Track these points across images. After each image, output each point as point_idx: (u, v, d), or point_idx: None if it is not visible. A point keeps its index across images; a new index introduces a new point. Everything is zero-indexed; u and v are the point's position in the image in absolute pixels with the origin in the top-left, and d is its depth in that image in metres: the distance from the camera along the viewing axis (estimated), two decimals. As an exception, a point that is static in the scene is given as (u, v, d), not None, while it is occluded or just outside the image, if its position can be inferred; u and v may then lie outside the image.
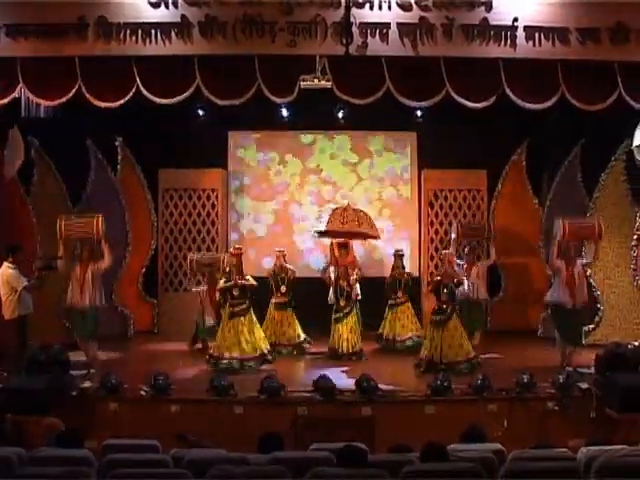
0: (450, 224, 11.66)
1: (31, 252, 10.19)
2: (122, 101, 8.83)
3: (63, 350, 8.46)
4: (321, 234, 11.09)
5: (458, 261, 10.61)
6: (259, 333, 9.50)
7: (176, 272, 12.09)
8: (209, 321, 10.31)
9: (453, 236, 11.22)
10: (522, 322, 11.67)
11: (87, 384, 8.29)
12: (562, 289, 9.16)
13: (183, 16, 8.53)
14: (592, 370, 8.44)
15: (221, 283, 9.64)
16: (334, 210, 10.92)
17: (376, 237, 11.06)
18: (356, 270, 10.39)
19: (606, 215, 10.46)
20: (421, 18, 8.53)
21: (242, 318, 9.34)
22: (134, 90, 8.76)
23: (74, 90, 8.76)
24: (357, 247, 11.12)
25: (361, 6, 8.47)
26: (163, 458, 5.07)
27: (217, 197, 12.07)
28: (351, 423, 7.69)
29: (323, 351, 10.20)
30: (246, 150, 12.37)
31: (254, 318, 9.50)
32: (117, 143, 11.84)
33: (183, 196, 12.08)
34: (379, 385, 7.98)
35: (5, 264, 9.11)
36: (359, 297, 10.47)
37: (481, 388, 7.98)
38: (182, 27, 8.53)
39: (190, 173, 12.01)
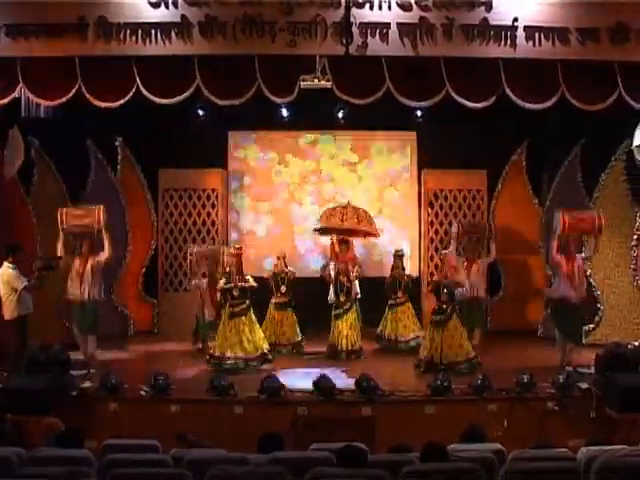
0: (450, 224, 11.64)
1: (31, 252, 10.21)
2: (122, 101, 8.84)
3: (63, 350, 8.47)
4: (321, 232, 11.11)
5: (458, 257, 10.67)
6: (259, 333, 9.52)
7: (176, 272, 12.08)
8: (209, 315, 10.30)
9: (454, 233, 11.22)
10: (522, 322, 11.68)
11: (87, 384, 8.30)
12: (564, 284, 9.18)
13: (183, 16, 8.52)
14: (592, 370, 8.45)
15: (221, 284, 9.64)
16: (334, 207, 10.94)
17: (376, 235, 11.07)
18: (356, 267, 10.41)
19: (606, 215, 10.43)
20: (421, 18, 8.53)
21: (243, 318, 9.36)
22: (134, 90, 8.76)
23: (74, 90, 8.76)
24: (357, 247, 11.14)
25: (361, 6, 8.47)
26: (163, 458, 5.07)
27: (217, 197, 12.07)
28: (351, 423, 7.69)
29: (323, 351, 10.19)
30: (246, 150, 12.37)
31: (254, 318, 9.51)
32: (117, 143, 11.84)
33: (183, 196, 12.08)
34: (379, 385, 7.99)
35: (5, 264, 9.11)
36: (359, 296, 10.47)
37: (481, 388, 7.98)
38: (182, 27, 8.53)
39: (190, 173, 12.01)
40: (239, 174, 12.37)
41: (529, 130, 11.31)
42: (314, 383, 8.04)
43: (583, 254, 9.63)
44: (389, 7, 8.52)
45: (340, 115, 10.84)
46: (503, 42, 8.56)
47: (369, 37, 8.51)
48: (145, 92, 8.78)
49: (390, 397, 8.00)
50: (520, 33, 8.56)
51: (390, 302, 10.71)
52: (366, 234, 10.97)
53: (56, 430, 5.88)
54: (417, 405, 7.93)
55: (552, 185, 11.48)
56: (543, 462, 4.90)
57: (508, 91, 8.75)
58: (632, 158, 10.49)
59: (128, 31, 8.56)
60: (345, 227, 10.55)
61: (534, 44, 8.58)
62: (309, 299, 10.84)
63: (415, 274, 11.64)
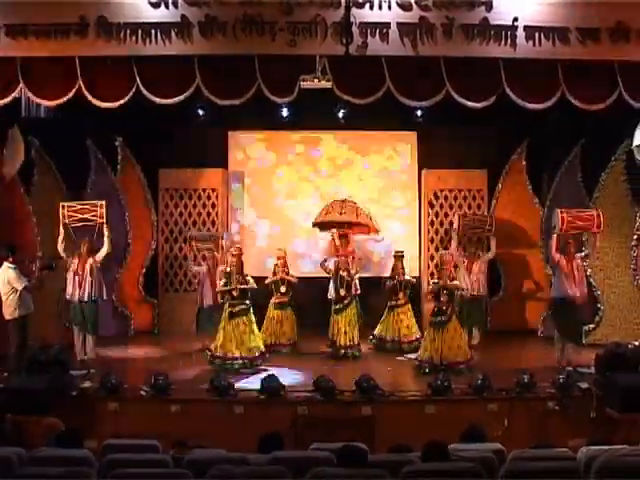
0: (451, 224, 11.64)
1: (31, 252, 10.22)
2: (122, 101, 8.84)
3: (63, 350, 8.48)
4: (321, 226, 11.12)
5: (459, 255, 10.71)
6: (258, 332, 9.55)
7: (176, 272, 12.09)
8: (208, 300, 10.27)
9: (455, 227, 11.22)
10: (522, 321, 11.69)
11: (87, 384, 8.29)
12: (565, 283, 9.18)
13: (183, 16, 8.52)
14: (592, 370, 8.46)
15: (221, 284, 9.65)
16: (332, 202, 10.96)
17: (376, 230, 11.08)
18: (356, 261, 10.40)
19: (606, 215, 10.43)
20: (421, 18, 8.52)
21: (244, 318, 9.35)
22: (134, 90, 8.76)
23: (74, 90, 8.76)
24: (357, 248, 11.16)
25: (361, 6, 8.46)
26: (163, 458, 5.07)
27: (217, 197, 12.07)
28: (351, 423, 7.69)
29: (323, 350, 10.20)
30: (246, 150, 12.37)
31: (253, 318, 9.51)
32: (117, 143, 11.83)
33: (183, 196, 12.08)
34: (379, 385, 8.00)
35: (5, 264, 9.12)
36: (359, 291, 10.47)
37: (481, 388, 7.98)
38: (182, 27, 8.53)
39: (190, 173, 12.02)
40: (239, 174, 12.37)
41: (529, 130, 11.31)
42: (314, 383, 8.04)
43: (583, 253, 9.64)
44: (389, 7, 8.51)
45: (340, 115, 10.85)
46: (503, 42, 8.56)
47: (369, 37, 8.50)
48: (145, 92, 8.78)
49: (390, 397, 8.00)
50: (520, 33, 8.55)
51: (390, 303, 10.70)
52: (366, 229, 10.98)
53: (56, 430, 5.88)
54: (417, 405, 7.94)
55: (552, 185, 11.48)
56: (543, 462, 4.90)
57: (508, 91, 8.75)
58: (632, 158, 10.48)
59: (128, 31, 8.55)
60: (343, 219, 10.56)
61: (534, 44, 8.57)
62: (309, 299, 10.84)
63: (415, 274, 11.62)
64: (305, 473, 4.59)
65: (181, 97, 8.89)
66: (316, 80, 8.17)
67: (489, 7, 8.54)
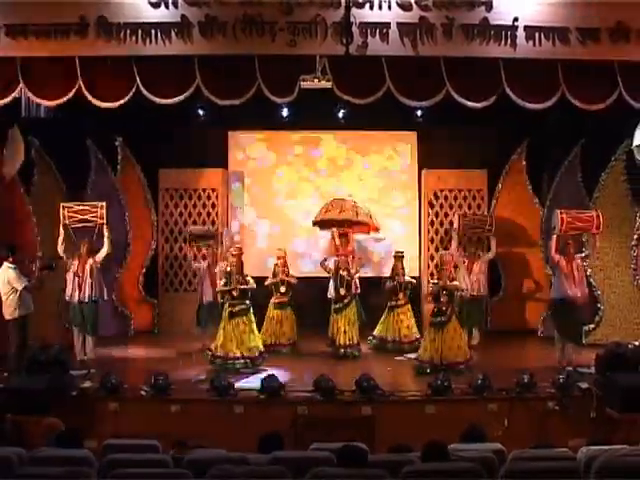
0: (451, 224, 11.65)
1: (31, 252, 10.22)
2: (122, 101, 8.84)
3: (63, 350, 8.48)
4: (320, 225, 11.11)
5: (459, 255, 10.72)
6: (257, 332, 9.56)
7: (176, 272, 12.09)
8: (208, 297, 10.27)
9: (455, 227, 11.22)
10: (522, 321, 11.69)
11: (87, 384, 8.29)
12: (564, 283, 9.17)
13: (183, 16, 8.52)
14: (592, 370, 8.46)
15: (221, 284, 9.65)
16: (332, 200, 10.96)
17: (376, 229, 11.08)
18: (356, 260, 10.41)
19: (606, 215, 10.44)
20: (421, 18, 8.52)
21: (244, 317, 9.35)
22: (134, 90, 8.76)
23: (74, 90, 8.76)
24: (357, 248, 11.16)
25: (361, 6, 8.46)
26: (163, 458, 5.07)
27: (217, 197, 12.08)
28: (351, 423, 7.69)
29: (323, 350, 10.20)
30: (246, 150, 12.37)
31: (253, 317, 9.51)
32: (117, 143, 11.84)
33: (183, 196, 12.09)
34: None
35: (5, 264, 9.12)
36: (359, 290, 10.47)
37: (481, 388, 7.98)
38: (182, 27, 8.53)
39: (190, 173, 12.03)
40: (239, 174, 12.37)
41: (529, 130, 11.32)
42: (314, 383, 8.05)
43: (583, 253, 9.63)
44: (389, 7, 8.51)
45: (340, 115, 10.85)
46: (503, 42, 8.56)
47: (369, 37, 8.50)
48: (145, 92, 8.78)
49: (390, 397, 8.00)
50: (520, 33, 8.55)
51: (390, 304, 10.69)
52: (366, 228, 10.98)
53: (56, 430, 5.88)
54: (417, 405, 7.94)
55: (552, 185, 11.48)
56: (543, 462, 4.90)
57: (508, 91, 8.75)
58: (632, 158, 10.48)
59: (128, 31, 8.55)
60: (343, 217, 10.56)
61: (534, 44, 8.57)
62: (309, 299, 10.84)
63: (415, 274, 11.62)
64: (305, 473, 4.58)
65: (181, 97, 8.89)
66: (316, 80, 8.17)
67: (489, 7, 8.54)
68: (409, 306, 10.74)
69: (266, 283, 10.49)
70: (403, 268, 10.76)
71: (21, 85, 8.75)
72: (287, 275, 10.53)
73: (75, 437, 5.29)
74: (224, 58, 8.71)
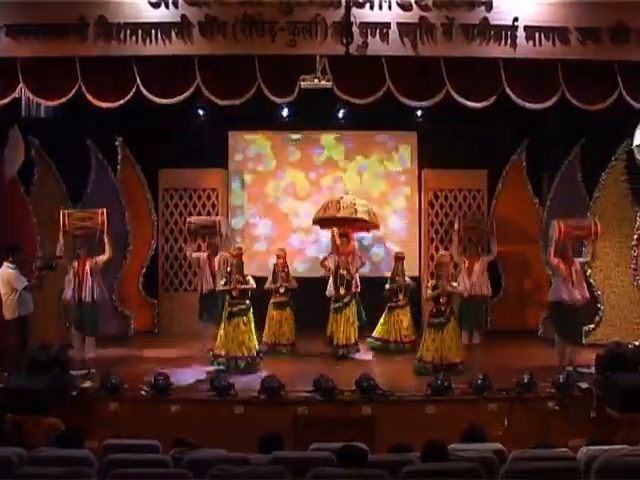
0: (451, 224, 11.64)
1: (31, 252, 10.22)
2: (122, 101, 8.82)
3: (63, 350, 8.48)
4: (320, 224, 11.10)
5: (460, 256, 10.73)
6: (254, 332, 9.53)
7: (176, 272, 12.09)
8: (208, 287, 10.25)
9: (455, 229, 11.22)
10: (522, 322, 11.68)
11: (87, 384, 8.29)
12: (562, 287, 9.15)
13: (183, 16, 8.52)
14: (592, 370, 8.45)
15: (220, 284, 9.65)
16: (331, 198, 10.96)
17: (375, 226, 11.07)
18: (356, 259, 10.41)
19: (606, 215, 10.46)
20: (421, 18, 8.52)
21: (244, 317, 9.35)
22: (134, 90, 8.75)
23: (74, 90, 8.75)
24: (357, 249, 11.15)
25: (361, 6, 8.45)
26: (163, 458, 5.08)
27: (217, 197, 12.07)
28: (351, 423, 7.69)
29: (322, 350, 10.19)
30: (246, 150, 12.37)
31: (252, 317, 9.50)
32: (117, 143, 11.83)
33: (183, 196, 12.09)
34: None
35: (5, 264, 9.12)
36: (359, 289, 10.46)
37: (481, 388, 7.98)
38: (182, 27, 8.52)
39: (190, 173, 12.01)
40: (239, 174, 12.37)
41: (529, 130, 11.31)
42: (314, 383, 8.05)
43: (581, 259, 9.59)
44: (389, 7, 8.50)
45: (340, 115, 10.84)
46: (503, 42, 8.55)
47: (369, 37, 8.49)
48: (145, 92, 8.77)
49: (390, 397, 8.00)
50: (520, 33, 8.54)
51: (390, 304, 10.67)
52: (366, 226, 10.97)
53: (56, 430, 5.87)
54: (417, 405, 7.94)
55: (552, 185, 11.46)
56: (543, 462, 4.91)
57: (508, 91, 8.74)
58: (632, 158, 10.48)
59: (128, 31, 8.54)
60: (342, 215, 10.56)
61: (534, 44, 8.56)
62: (309, 299, 10.84)
63: (415, 274, 11.62)
64: (305, 473, 4.59)
65: (181, 97, 8.88)
66: (316, 80, 8.16)
67: (489, 7, 8.54)
68: (408, 307, 10.73)
69: (265, 287, 10.47)
70: (403, 269, 10.75)
71: (21, 85, 8.74)
72: (287, 274, 10.52)
73: (75, 437, 5.30)
74: (224, 58, 8.70)
